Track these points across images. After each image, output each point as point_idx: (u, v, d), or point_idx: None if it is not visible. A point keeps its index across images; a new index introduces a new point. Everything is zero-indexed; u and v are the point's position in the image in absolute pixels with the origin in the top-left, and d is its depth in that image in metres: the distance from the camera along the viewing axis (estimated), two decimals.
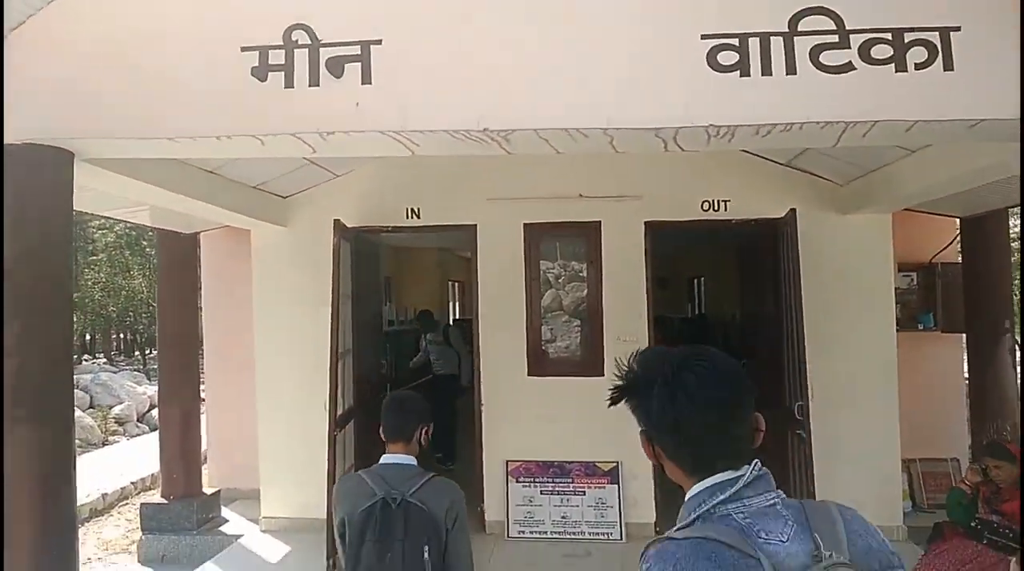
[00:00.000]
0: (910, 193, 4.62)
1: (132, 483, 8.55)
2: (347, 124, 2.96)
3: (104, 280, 22.12)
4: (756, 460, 1.19)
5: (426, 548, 2.22)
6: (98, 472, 8.96)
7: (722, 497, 1.14)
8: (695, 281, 14.06)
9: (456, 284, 14.47)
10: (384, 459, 2.43)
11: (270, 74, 2.97)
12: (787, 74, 2.74)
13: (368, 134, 3.00)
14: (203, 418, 7.22)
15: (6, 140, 3.10)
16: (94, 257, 22.70)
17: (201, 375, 7.56)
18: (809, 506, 1.17)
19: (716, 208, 5.57)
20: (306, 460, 5.63)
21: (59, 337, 3.30)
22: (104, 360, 23.35)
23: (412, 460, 2.39)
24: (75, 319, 22.15)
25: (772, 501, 1.14)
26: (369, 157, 5.66)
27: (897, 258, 5.80)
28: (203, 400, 7.34)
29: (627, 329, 5.67)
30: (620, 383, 1.27)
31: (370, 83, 2.93)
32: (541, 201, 5.67)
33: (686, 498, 1.21)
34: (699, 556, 1.07)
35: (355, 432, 5.71)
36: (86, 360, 22.29)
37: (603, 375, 5.64)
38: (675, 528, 1.17)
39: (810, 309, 4.95)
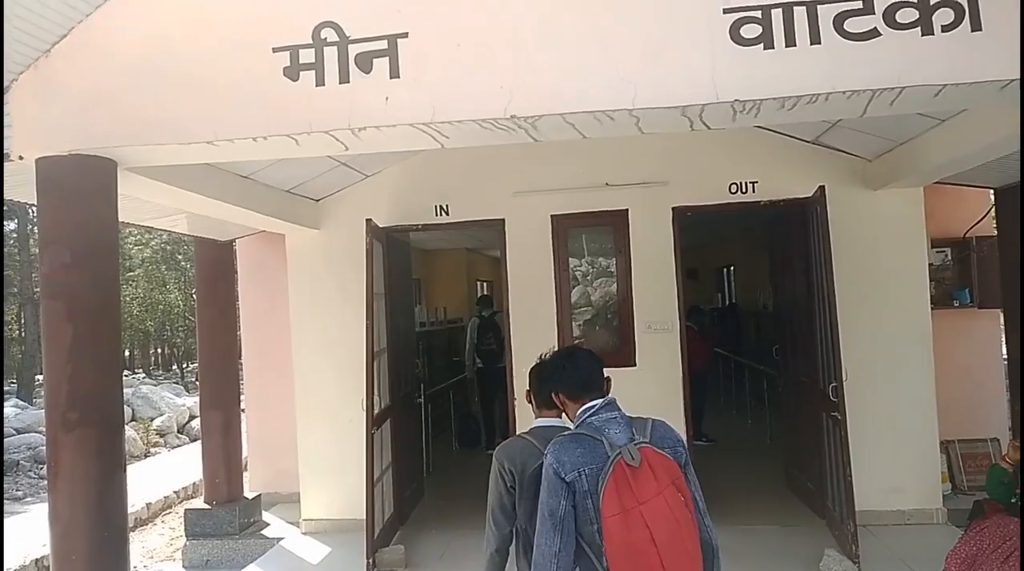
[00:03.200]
0: (941, 164, 4.57)
1: (175, 492, 8.74)
2: (378, 119, 3.03)
3: (142, 295, 22.62)
4: (607, 394, 2.20)
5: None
6: (141, 483, 9.16)
7: (588, 414, 2.13)
8: (724, 271, 13.97)
9: (483, 284, 14.57)
10: (539, 423, 2.64)
11: (301, 73, 3.06)
12: (811, 44, 2.75)
13: (399, 128, 3.06)
14: (243, 423, 7.40)
15: (53, 151, 3.24)
16: (131, 273, 23.23)
17: (241, 381, 7.72)
18: (633, 419, 2.12)
19: (744, 190, 5.55)
20: (345, 460, 5.73)
21: (109, 343, 3.42)
22: (143, 375, 23.81)
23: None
24: None
25: (613, 415, 2.11)
26: (397, 156, 5.76)
27: (930, 234, 5.72)
28: (243, 406, 7.51)
29: (658, 318, 5.67)
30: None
31: (398, 77, 3.00)
32: (568, 192, 5.71)
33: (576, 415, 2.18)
34: (574, 442, 2.06)
35: (391, 430, 5.79)
36: (126, 375, 22.74)
37: (635, 365, 5.67)
38: (561, 434, 2.15)
39: (842, 289, 4.92)
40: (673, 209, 5.62)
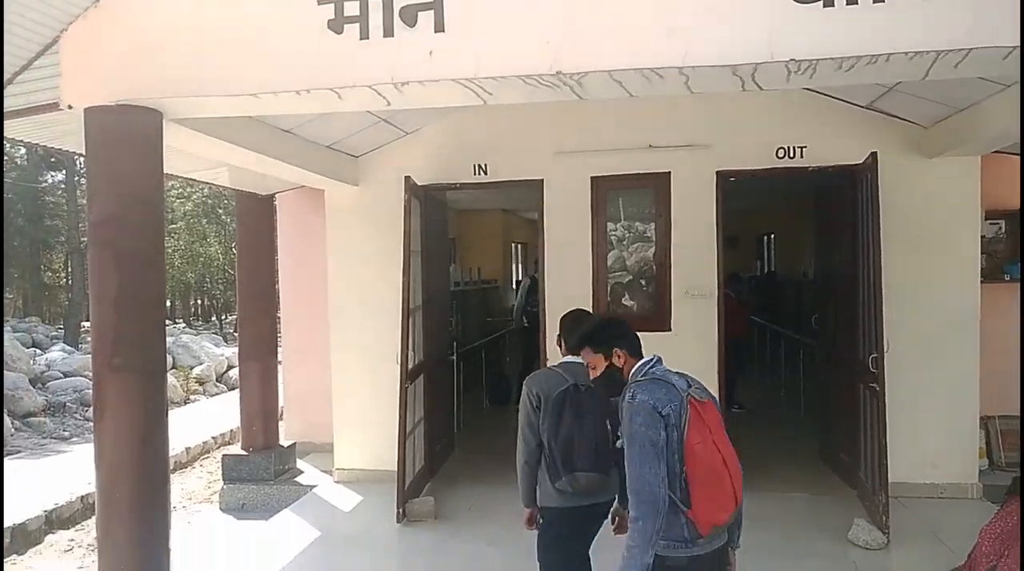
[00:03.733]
0: (1002, 131, 4.36)
1: (212, 438, 9.03)
2: (421, 73, 3.00)
3: (183, 248, 23.09)
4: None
5: (607, 420, 2.99)
6: (181, 428, 9.46)
7: (649, 366, 2.41)
8: (765, 239, 13.75)
9: (519, 246, 14.54)
10: (566, 359, 3.18)
11: (346, 26, 3.03)
12: (874, 2, 2.62)
13: (442, 83, 3.03)
14: (281, 375, 7.56)
15: (101, 101, 3.27)
16: (173, 225, 23.69)
17: (278, 333, 7.88)
18: (684, 373, 2.42)
19: (792, 155, 5.40)
20: (378, 413, 5.83)
21: (153, 291, 3.50)
22: (184, 325, 24.44)
23: (582, 360, 3.03)
24: None
25: (667, 368, 2.42)
26: (437, 114, 5.71)
27: (985, 205, 5.52)
28: (280, 358, 7.67)
29: (697, 283, 5.60)
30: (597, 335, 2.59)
31: (443, 31, 2.95)
32: (609, 153, 5.61)
33: (633, 369, 2.44)
34: (657, 385, 2.30)
35: (424, 386, 5.87)
36: (167, 325, 23.33)
37: (670, 330, 5.62)
38: (636, 380, 2.38)
39: (889, 259, 4.81)
40: (717, 173, 5.50)
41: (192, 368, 13.55)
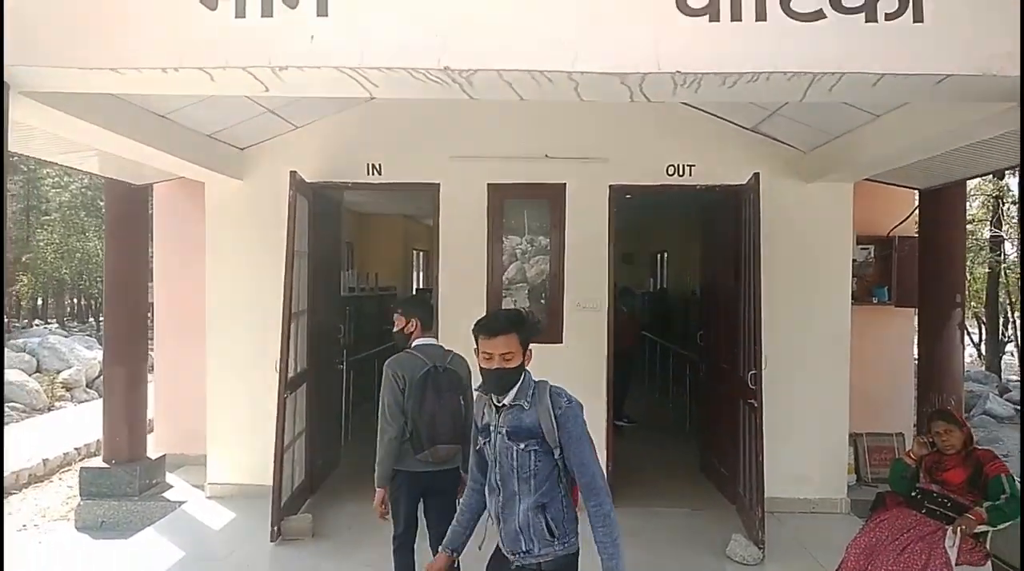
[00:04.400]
0: (873, 159, 4.63)
1: (76, 449, 8.30)
2: (301, 59, 2.82)
3: (58, 241, 21.40)
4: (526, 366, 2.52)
5: (460, 397, 3.44)
6: (42, 438, 8.69)
7: None
8: (658, 257, 14.17)
9: (420, 253, 14.35)
10: (420, 341, 3.59)
11: (220, 2, 2.81)
12: (757, 20, 2.68)
13: (324, 71, 2.86)
14: (152, 381, 7.04)
15: None
16: (47, 217, 21.93)
17: (151, 337, 7.35)
18: None
19: (681, 173, 5.53)
20: (255, 423, 5.50)
21: None
22: (56, 325, 22.64)
23: (437, 341, 3.58)
24: (26, 281, 21.28)
25: None
26: (329, 109, 5.51)
27: (856, 230, 5.85)
28: (152, 364, 7.15)
29: (589, 296, 5.63)
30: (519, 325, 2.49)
31: (326, 15, 2.79)
32: (506, 161, 5.56)
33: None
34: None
35: (307, 396, 5.59)
36: (37, 324, 21.59)
37: (562, 342, 5.62)
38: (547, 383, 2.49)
39: (768, 279, 4.98)
40: (611, 187, 5.56)
41: (59, 372, 12.50)
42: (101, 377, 12.47)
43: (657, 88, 2.95)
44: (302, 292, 5.40)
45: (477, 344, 2.47)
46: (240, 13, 2.81)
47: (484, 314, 2.65)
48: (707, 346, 6.42)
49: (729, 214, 5.56)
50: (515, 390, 2.46)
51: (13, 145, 4.56)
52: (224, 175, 5.47)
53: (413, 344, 3.58)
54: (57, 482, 7.54)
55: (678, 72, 2.74)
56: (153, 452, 6.39)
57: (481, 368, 2.47)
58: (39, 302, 25.83)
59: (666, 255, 13.80)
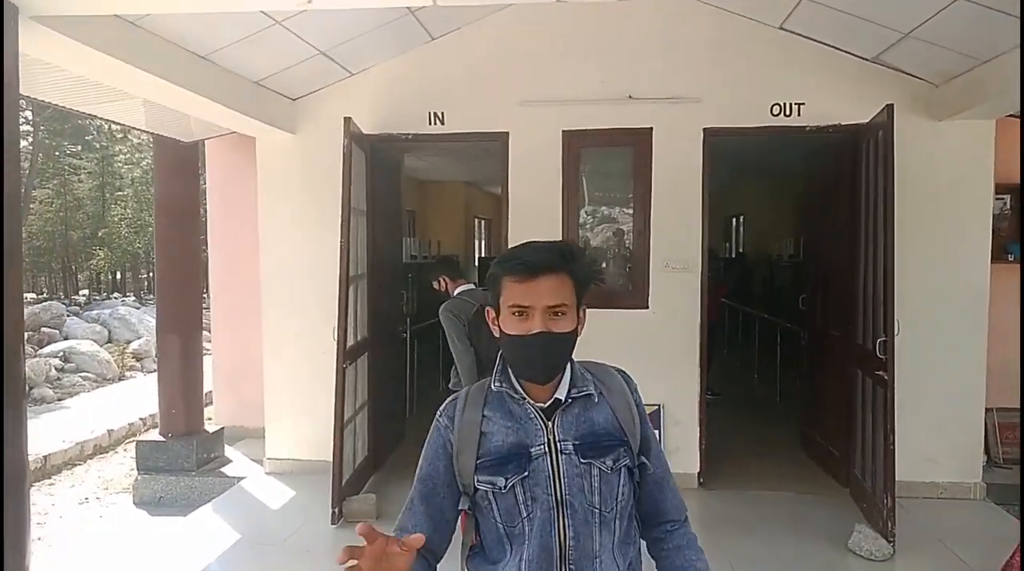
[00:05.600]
0: None
1: (141, 419, 8.22)
2: None
3: (131, 216, 21.84)
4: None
5: None
6: (111, 408, 8.66)
7: None
8: (733, 221, 13.44)
9: (482, 221, 13.87)
10: (460, 289, 3.92)
11: None
12: None
13: None
14: (211, 351, 6.77)
15: None
16: (120, 193, 22.34)
17: (205, 303, 7.08)
18: None
19: (788, 112, 4.78)
20: (315, 396, 5.11)
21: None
22: (133, 298, 23.24)
23: (476, 286, 3.90)
24: (103, 256, 21.89)
25: None
26: (387, 52, 4.99)
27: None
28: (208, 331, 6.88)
29: (678, 256, 4.99)
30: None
31: None
32: (583, 104, 4.92)
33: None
34: None
35: (368, 366, 5.16)
36: (116, 297, 22.14)
37: (647, 308, 4.99)
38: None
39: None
40: (704, 130, 4.87)
41: (129, 342, 12.62)
42: None
43: None
44: (361, 254, 4.94)
45: (498, 295, 1.46)
46: None
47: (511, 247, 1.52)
48: (811, 311, 5.68)
49: (845, 160, 4.80)
50: (568, 373, 1.48)
51: (51, 95, 4.21)
52: (275, 127, 5.00)
53: (455, 292, 3.90)
54: (122, 453, 7.43)
55: None
56: (212, 425, 6.12)
57: (508, 337, 1.44)
58: (118, 276, 26.58)
59: (743, 218, 12.99)
